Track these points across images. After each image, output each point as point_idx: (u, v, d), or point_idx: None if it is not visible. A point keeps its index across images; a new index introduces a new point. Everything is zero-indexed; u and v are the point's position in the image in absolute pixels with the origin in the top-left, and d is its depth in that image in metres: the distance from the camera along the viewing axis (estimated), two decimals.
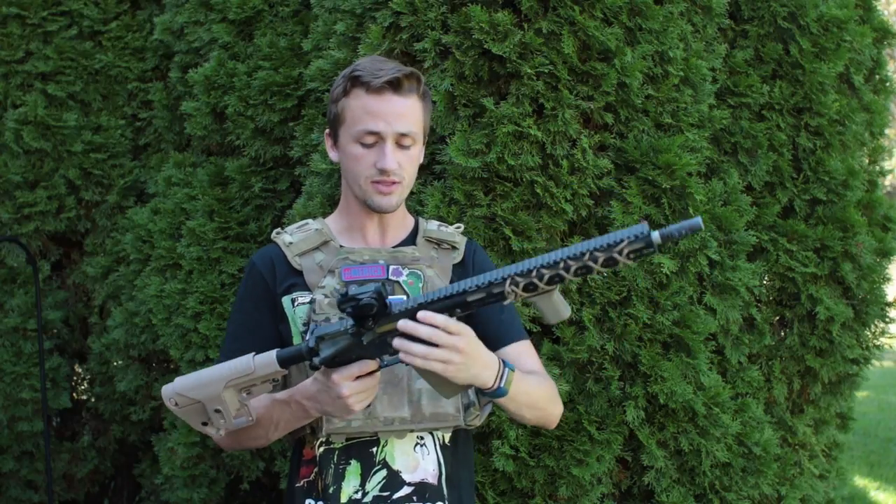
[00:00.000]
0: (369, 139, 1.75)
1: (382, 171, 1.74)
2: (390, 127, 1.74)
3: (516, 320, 1.91)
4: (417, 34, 2.49)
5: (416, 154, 1.81)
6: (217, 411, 1.61)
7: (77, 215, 3.83)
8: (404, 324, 1.52)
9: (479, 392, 1.71)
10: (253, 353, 1.62)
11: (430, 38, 2.45)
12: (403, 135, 1.75)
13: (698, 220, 1.41)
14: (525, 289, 1.49)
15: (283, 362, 1.60)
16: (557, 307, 1.54)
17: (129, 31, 3.88)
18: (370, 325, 1.56)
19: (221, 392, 1.59)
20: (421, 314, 1.51)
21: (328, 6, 2.80)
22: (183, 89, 3.47)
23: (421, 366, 1.54)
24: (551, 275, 1.47)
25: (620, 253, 1.44)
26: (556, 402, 1.86)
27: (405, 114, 1.75)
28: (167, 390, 1.63)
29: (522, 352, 1.86)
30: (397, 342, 1.53)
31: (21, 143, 3.71)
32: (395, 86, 1.74)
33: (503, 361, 1.66)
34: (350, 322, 1.56)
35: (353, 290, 1.53)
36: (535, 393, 1.77)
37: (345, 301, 1.53)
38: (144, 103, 3.86)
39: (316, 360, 1.58)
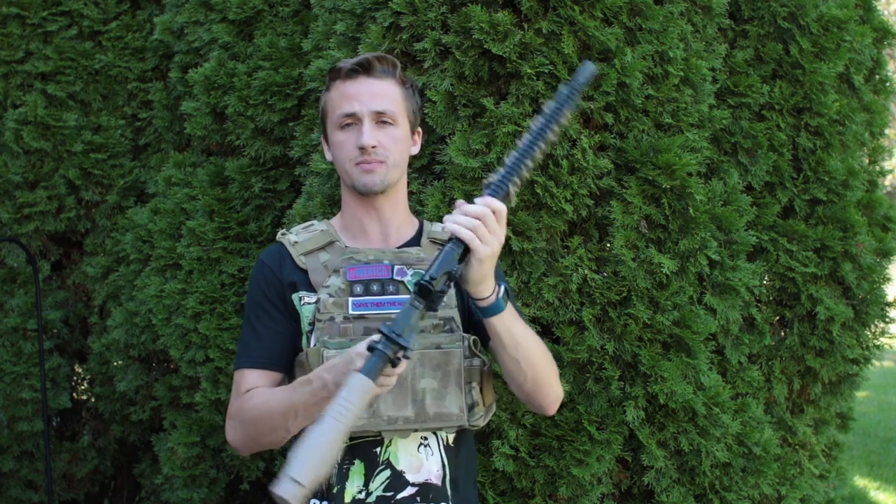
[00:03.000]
0: (348, 121, 1.77)
1: (362, 150, 1.75)
2: (365, 106, 1.76)
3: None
4: (417, 34, 2.49)
5: (401, 135, 1.80)
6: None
7: (77, 215, 3.83)
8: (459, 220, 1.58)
9: (478, 308, 1.69)
10: (343, 391, 1.46)
11: (430, 38, 2.45)
12: (380, 112, 1.76)
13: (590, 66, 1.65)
14: (520, 178, 1.63)
15: (376, 376, 1.50)
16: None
17: (129, 31, 3.88)
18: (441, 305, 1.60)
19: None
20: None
21: (328, 6, 2.80)
22: (183, 89, 3.47)
23: (465, 233, 1.57)
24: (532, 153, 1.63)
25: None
26: (553, 371, 1.82)
27: (380, 93, 1.77)
28: (293, 493, 1.35)
29: None
30: (450, 226, 1.58)
31: (21, 143, 3.71)
32: (366, 68, 1.77)
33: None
34: (419, 303, 1.56)
35: (439, 286, 1.55)
36: (531, 338, 1.76)
37: (431, 295, 1.54)
38: (144, 103, 3.85)
39: (409, 353, 1.53)
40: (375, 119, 1.77)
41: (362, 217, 1.85)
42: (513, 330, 1.71)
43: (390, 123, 1.78)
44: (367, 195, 1.80)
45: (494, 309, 1.67)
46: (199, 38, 3.38)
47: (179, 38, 3.51)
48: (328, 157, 1.87)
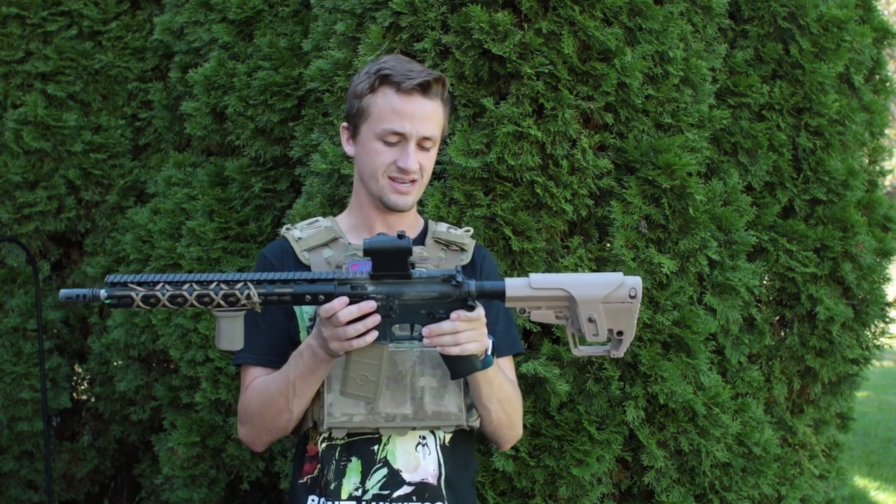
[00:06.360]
0: (393, 138, 1.77)
1: (402, 171, 1.77)
2: (415, 129, 1.76)
3: (510, 332, 1.93)
4: (417, 34, 2.49)
5: (434, 156, 1.84)
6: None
7: (77, 215, 3.83)
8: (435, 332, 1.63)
9: None
10: None
11: (430, 38, 2.45)
12: (426, 138, 1.78)
13: None
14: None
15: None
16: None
17: (129, 31, 3.88)
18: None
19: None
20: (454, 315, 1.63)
21: (328, 6, 2.80)
22: (183, 89, 3.47)
23: (459, 353, 1.63)
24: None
25: None
26: (519, 417, 1.88)
27: (430, 117, 1.78)
28: None
29: (504, 365, 1.89)
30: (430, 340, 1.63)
31: (21, 143, 3.71)
32: (424, 89, 1.76)
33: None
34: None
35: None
36: (508, 389, 1.82)
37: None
38: (144, 103, 3.85)
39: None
40: (420, 142, 1.78)
41: (374, 220, 1.86)
42: (493, 383, 1.76)
43: (431, 146, 1.81)
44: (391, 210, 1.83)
45: (484, 365, 1.70)
46: (199, 38, 3.38)
47: (179, 38, 3.51)
48: (347, 149, 1.87)
